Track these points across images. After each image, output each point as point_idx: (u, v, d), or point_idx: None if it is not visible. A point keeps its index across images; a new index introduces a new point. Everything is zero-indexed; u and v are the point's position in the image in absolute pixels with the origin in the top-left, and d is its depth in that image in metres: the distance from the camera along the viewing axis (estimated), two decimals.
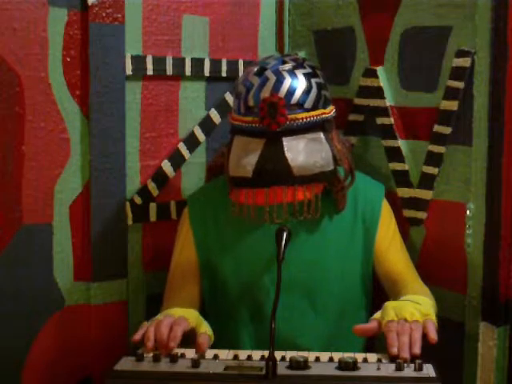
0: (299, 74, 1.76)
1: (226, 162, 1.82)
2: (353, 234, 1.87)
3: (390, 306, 1.64)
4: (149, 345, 1.55)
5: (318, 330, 1.84)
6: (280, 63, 1.78)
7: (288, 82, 1.74)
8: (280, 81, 1.74)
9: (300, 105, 1.74)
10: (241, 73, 2.12)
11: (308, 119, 1.75)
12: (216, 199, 1.91)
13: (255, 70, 1.78)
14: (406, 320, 1.58)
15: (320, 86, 1.78)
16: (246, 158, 1.74)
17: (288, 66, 1.77)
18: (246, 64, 2.11)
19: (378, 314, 1.64)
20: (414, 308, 1.62)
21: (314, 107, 1.76)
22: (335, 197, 1.83)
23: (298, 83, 1.75)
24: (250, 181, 1.74)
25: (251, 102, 1.75)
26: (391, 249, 1.89)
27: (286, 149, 1.73)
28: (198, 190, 1.99)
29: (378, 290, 1.92)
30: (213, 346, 1.63)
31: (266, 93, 1.74)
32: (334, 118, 1.83)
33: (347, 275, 1.87)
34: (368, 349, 1.90)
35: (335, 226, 1.86)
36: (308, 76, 1.77)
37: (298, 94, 1.74)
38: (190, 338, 1.61)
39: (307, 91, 1.75)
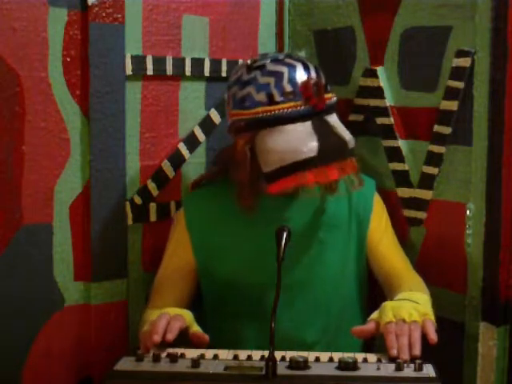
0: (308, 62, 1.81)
1: (246, 160, 1.78)
2: (349, 230, 1.89)
3: (389, 306, 1.64)
4: (156, 338, 1.54)
5: (318, 326, 1.85)
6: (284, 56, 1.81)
7: (311, 66, 1.78)
8: (306, 65, 1.77)
9: (325, 85, 1.78)
10: None
11: (334, 98, 1.80)
12: (214, 200, 1.90)
13: (268, 61, 1.78)
14: (404, 321, 1.58)
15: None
16: (303, 141, 1.71)
17: (296, 56, 1.83)
18: None
19: (375, 315, 1.64)
20: (413, 308, 1.62)
21: (331, 89, 1.81)
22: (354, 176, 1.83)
23: (314, 68, 1.78)
24: (316, 160, 1.71)
25: (289, 88, 1.74)
26: (383, 241, 1.90)
27: (333, 125, 1.76)
28: (193, 192, 1.98)
29: (375, 286, 1.93)
30: (214, 346, 1.63)
31: (303, 76, 1.75)
32: None
33: (346, 271, 1.88)
34: (368, 349, 1.90)
35: (334, 223, 1.88)
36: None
37: (322, 76, 1.78)
38: (184, 337, 1.61)
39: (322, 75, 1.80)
